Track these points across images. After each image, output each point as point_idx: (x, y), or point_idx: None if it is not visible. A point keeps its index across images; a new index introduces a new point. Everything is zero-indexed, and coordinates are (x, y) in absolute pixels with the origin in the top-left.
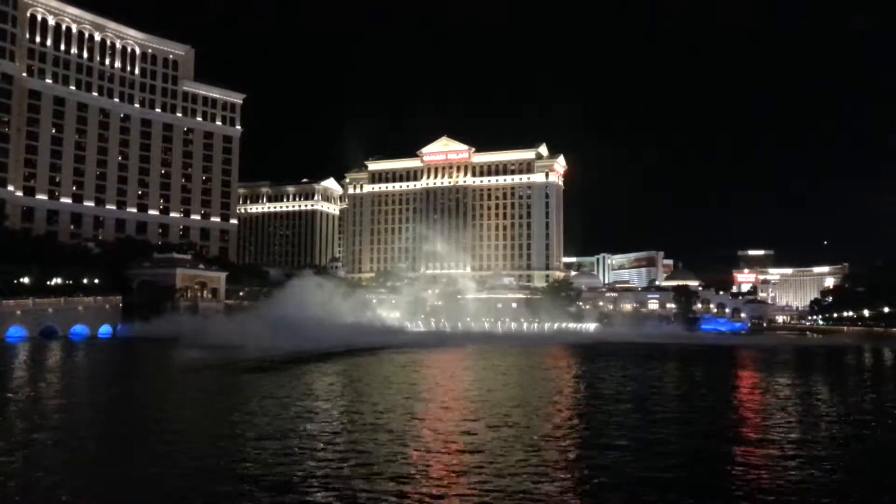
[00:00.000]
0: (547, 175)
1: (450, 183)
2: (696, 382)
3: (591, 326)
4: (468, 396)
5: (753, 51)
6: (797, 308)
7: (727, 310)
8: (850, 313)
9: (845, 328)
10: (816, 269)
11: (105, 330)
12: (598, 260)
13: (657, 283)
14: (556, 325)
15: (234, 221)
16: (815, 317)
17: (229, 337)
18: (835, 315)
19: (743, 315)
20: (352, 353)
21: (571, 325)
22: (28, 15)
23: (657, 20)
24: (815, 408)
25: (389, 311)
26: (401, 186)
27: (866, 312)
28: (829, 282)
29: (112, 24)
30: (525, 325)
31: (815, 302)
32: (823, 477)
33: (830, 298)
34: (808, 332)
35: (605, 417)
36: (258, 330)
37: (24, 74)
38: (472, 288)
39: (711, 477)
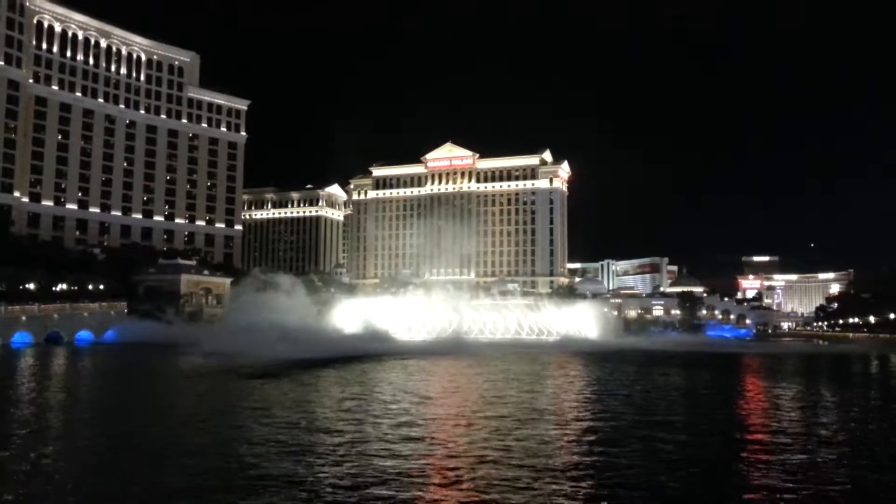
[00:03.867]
0: (551, 181)
1: (454, 189)
2: (708, 390)
3: (594, 333)
4: (477, 406)
5: (756, 56)
6: (802, 314)
7: (732, 316)
8: (856, 320)
9: (851, 335)
10: (822, 276)
11: (109, 335)
12: (602, 266)
13: (661, 289)
14: (560, 332)
15: (238, 227)
16: (820, 323)
17: (221, 343)
18: (840, 321)
19: (748, 321)
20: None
21: (575, 332)
22: (35, 21)
23: (659, 25)
24: (824, 416)
25: (388, 318)
26: (405, 192)
27: (872, 319)
28: (835, 288)
29: (118, 31)
30: (528, 332)
31: (820, 308)
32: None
33: (836, 305)
34: (813, 339)
35: (622, 425)
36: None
37: (31, 81)
38: (477, 294)
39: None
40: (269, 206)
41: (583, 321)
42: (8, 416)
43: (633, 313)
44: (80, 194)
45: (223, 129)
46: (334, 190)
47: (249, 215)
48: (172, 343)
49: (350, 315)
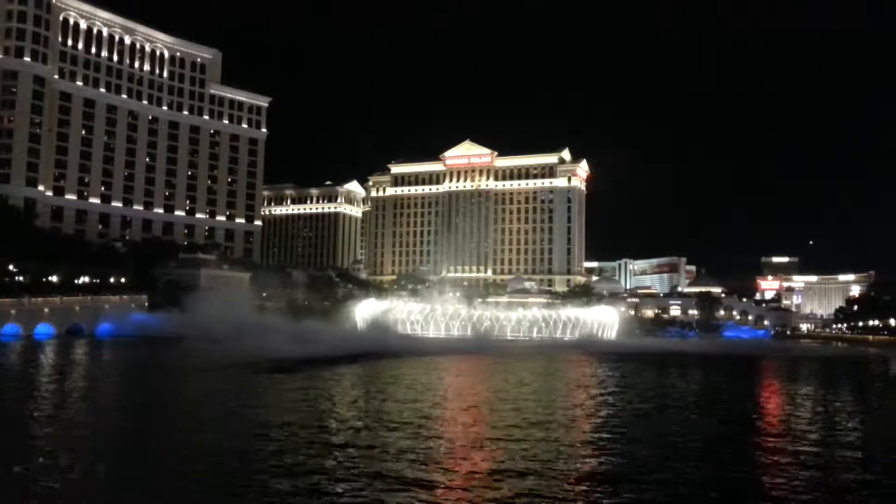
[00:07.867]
0: (569, 179)
1: (472, 186)
2: (726, 393)
3: (612, 334)
4: (492, 407)
5: (778, 58)
6: (822, 316)
7: (750, 317)
8: (876, 322)
9: (871, 337)
10: (842, 277)
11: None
12: (619, 265)
13: (679, 289)
14: (576, 333)
15: (258, 223)
16: (840, 325)
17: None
18: (860, 324)
19: (766, 322)
20: None
21: (592, 331)
22: (61, 19)
23: (684, 27)
24: (841, 423)
25: (407, 316)
26: (423, 190)
27: (892, 321)
28: (855, 290)
29: (141, 28)
30: (544, 332)
31: (840, 310)
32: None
33: (856, 307)
34: (832, 341)
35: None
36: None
37: (56, 77)
38: (493, 292)
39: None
40: (289, 201)
41: (601, 321)
42: (35, 408)
43: (650, 313)
44: (102, 189)
45: (244, 125)
46: (353, 186)
47: (269, 211)
48: (188, 336)
49: (362, 312)
